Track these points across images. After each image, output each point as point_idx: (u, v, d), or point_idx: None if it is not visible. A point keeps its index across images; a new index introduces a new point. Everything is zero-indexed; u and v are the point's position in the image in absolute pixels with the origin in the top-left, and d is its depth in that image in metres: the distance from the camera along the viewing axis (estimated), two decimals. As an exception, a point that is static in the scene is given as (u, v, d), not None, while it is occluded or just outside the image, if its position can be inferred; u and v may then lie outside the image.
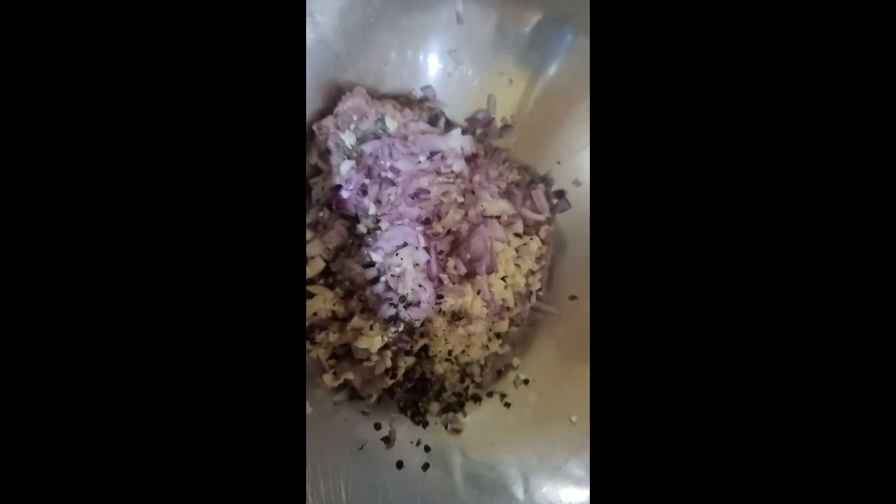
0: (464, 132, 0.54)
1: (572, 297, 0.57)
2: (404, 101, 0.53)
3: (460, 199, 0.49)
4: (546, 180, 0.58)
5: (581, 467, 0.49)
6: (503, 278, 0.51)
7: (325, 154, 0.51)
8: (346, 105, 0.50)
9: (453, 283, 0.48)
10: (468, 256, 0.48)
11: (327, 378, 0.49)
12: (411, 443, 0.49)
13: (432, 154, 0.51)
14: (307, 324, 0.50)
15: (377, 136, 0.51)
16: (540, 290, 0.56)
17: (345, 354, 0.50)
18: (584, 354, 0.54)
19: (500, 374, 0.55)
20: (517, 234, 0.54)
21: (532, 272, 0.55)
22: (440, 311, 0.47)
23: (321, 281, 0.51)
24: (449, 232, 0.49)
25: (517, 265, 0.52)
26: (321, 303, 0.49)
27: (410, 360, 0.49)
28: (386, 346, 0.48)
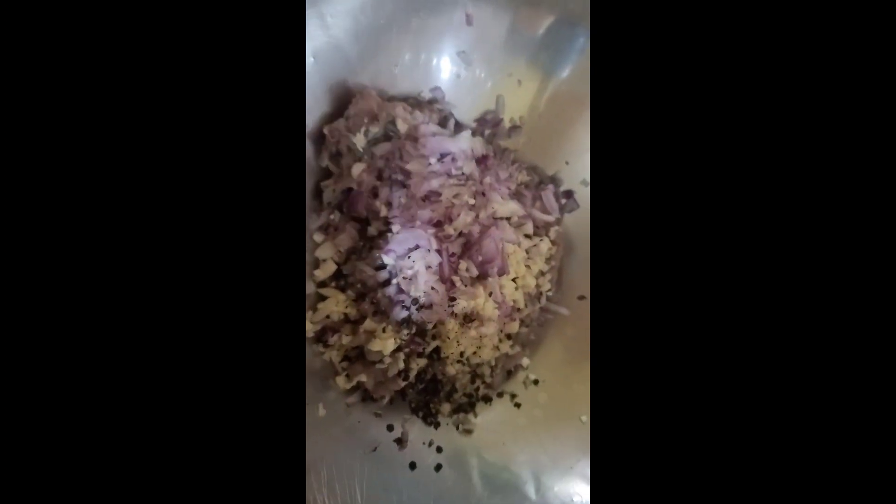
0: (473, 133, 0.54)
1: (581, 298, 0.57)
2: (414, 102, 0.53)
3: (471, 201, 0.49)
4: (555, 181, 0.58)
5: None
6: (514, 279, 0.52)
7: (337, 157, 0.51)
8: (356, 108, 0.50)
9: (465, 286, 0.48)
10: (480, 258, 0.48)
11: (340, 380, 0.49)
12: (423, 444, 0.49)
13: (443, 156, 0.51)
14: (320, 327, 0.50)
15: (388, 139, 0.51)
16: (549, 290, 0.56)
17: (357, 357, 0.50)
18: (593, 354, 0.54)
19: (510, 374, 0.55)
20: (527, 236, 0.54)
21: (542, 273, 0.55)
22: (452, 313, 0.48)
23: (333, 284, 0.51)
24: (460, 234, 0.49)
25: (527, 266, 0.53)
26: (333, 305, 0.50)
27: (422, 361, 0.49)
28: (398, 349, 0.48)
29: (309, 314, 0.50)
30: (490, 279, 0.49)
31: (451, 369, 0.50)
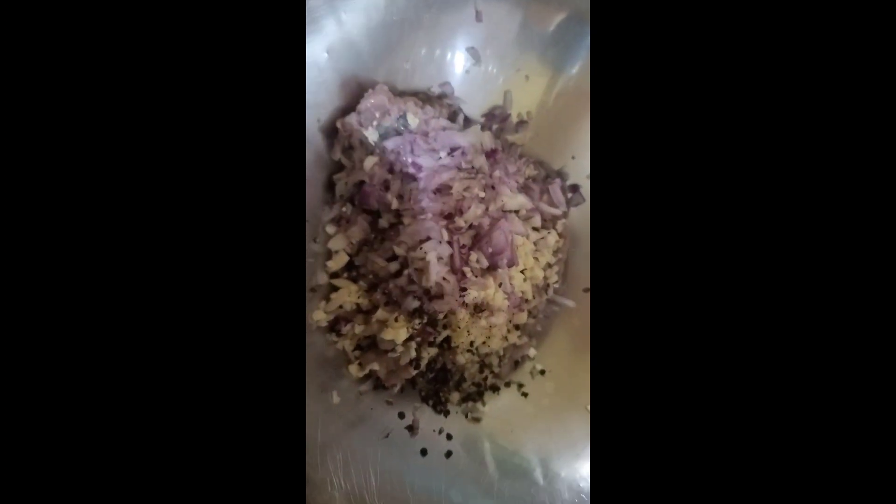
0: (481, 128, 0.55)
1: (586, 290, 0.58)
2: (424, 97, 0.54)
3: (481, 195, 0.51)
4: (561, 175, 0.59)
5: (598, 453, 0.50)
6: (522, 271, 0.53)
7: (349, 150, 0.52)
8: (368, 102, 0.51)
9: (476, 276, 0.49)
10: (490, 250, 0.50)
11: (353, 369, 0.50)
12: (434, 431, 0.51)
13: (452, 150, 0.52)
14: (333, 316, 0.51)
15: (399, 133, 0.52)
16: (556, 282, 0.58)
17: (370, 346, 0.51)
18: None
19: (517, 364, 0.56)
20: (535, 228, 0.55)
21: (549, 265, 0.56)
22: (463, 304, 0.49)
23: (345, 274, 0.52)
24: (471, 226, 0.50)
25: (535, 258, 0.54)
26: (346, 296, 0.51)
27: (433, 350, 0.51)
28: (410, 338, 0.49)
29: (322, 304, 0.51)
30: (500, 270, 0.50)
31: (461, 358, 0.52)
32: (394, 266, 0.50)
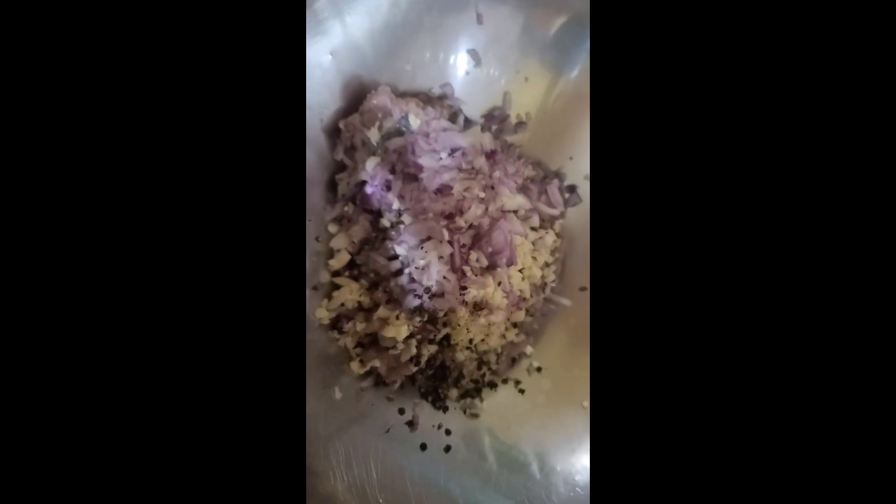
0: (481, 129, 0.56)
1: (582, 289, 0.59)
2: (425, 98, 0.55)
3: (481, 195, 0.52)
4: (559, 175, 0.60)
5: (593, 449, 0.52)
6: (521, 270, 0.54)
7: (351, 150, 0.53)
8: (371, 103, 0.51)
9: (475, 275, 0.50)
10: (490, 250, 0.51)
11: (354, 366, 0.51)
12: (433, 426, 0.52)
13: (453, 151, 0.53)
14: (335, 314, 0.52)
15: (401, 133, 0.53)
16: (553, 281, 0.59)
17: (371, 343, 0.52)
18: (594, 343, 0.57)
19: (514, 361, 0.58)
20: (533, 228, 0.56)
21: (547, 264, 0.57)
22: (463, 302, 0.50)
23: (347, 273, 0.53)
24: (471, 226, 0.51)
25: (534, 258, 0.55)
26: (348, 294, 0.52)
27: (433, 348, 0.52)
28: (411, 335, 0.50)
29: (324, 302, 0.52)
30: (499, 269, 0.51)
31: (460, 356, 0.53)
32: (395, 265, 0.51)
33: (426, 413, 0.52)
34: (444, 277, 0.49)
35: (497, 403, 0.55)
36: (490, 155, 0.54)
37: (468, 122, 0.57)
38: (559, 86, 0.55)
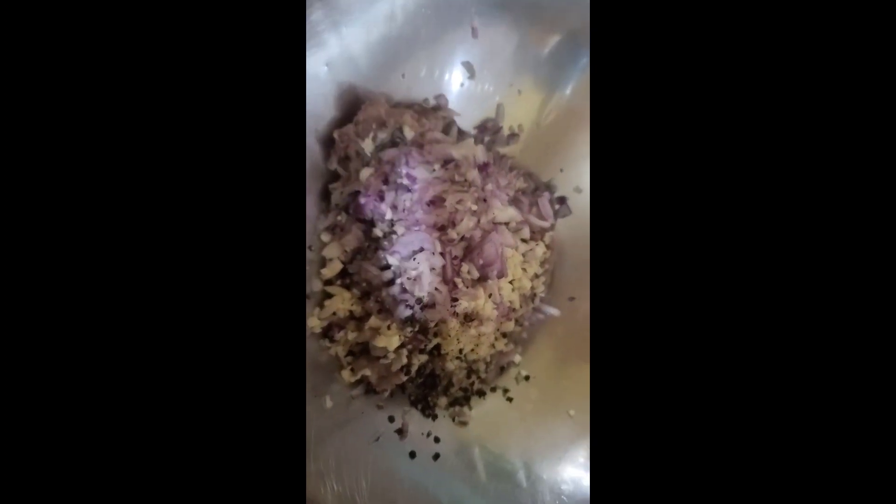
0: (474, 140, 0.57)
1: (571, 299, 0.60)
2: (419, 109, 0.56)
3: (473, 207, 0.52)
4: (549, 187, 0.61)
5: (579, 458, 0.53)
6: (511, 282, 0.55)
7: (345, 160, 0.53)
8: (366, 114, 0.52)
9: (467, 287, 0.51)
10: (481, 262, 0.51)
11: (345, 374, 0.52)
12: (422, 434, 0.52)
13: (446, 163, 0.54)
14: (327, 323, 0.52)
15: (395, 144, 0.53)
16: (542, 292, 0.60)
17: (361, 352, 0.53)
18: (581, 352, 0.58)
19: (502, 370, 0.58)
20: (524, 240, 0.57)
21: (537, 275, 0.58)
22: (454, 313, 0.51)
23: (339, 282, 0.53)
24: (462, 238, 0.52)
25: (524, 269, 0.56)
26: (339, 303, 0.52)
27: (423, 357, 0.52)
28: (402, 345, 0.51)
29: (316, 311, 0.52)
30: (490, 281, 0.52)
31: (450, 365, 0.53)
32: (387, 275, 0.52)
33: (416, 421, 0.53)
34: (436, 288, 0.50)
35: (485, 412, 0.56)
36: (483, 167, 0.54)
37: (462, 134, 0.57)
38: (552, 101, 0.56)
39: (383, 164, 0.53)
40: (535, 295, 0.59)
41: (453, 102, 0.56)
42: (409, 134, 0.53)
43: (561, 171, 0.61)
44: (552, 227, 0.60)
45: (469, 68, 0.55)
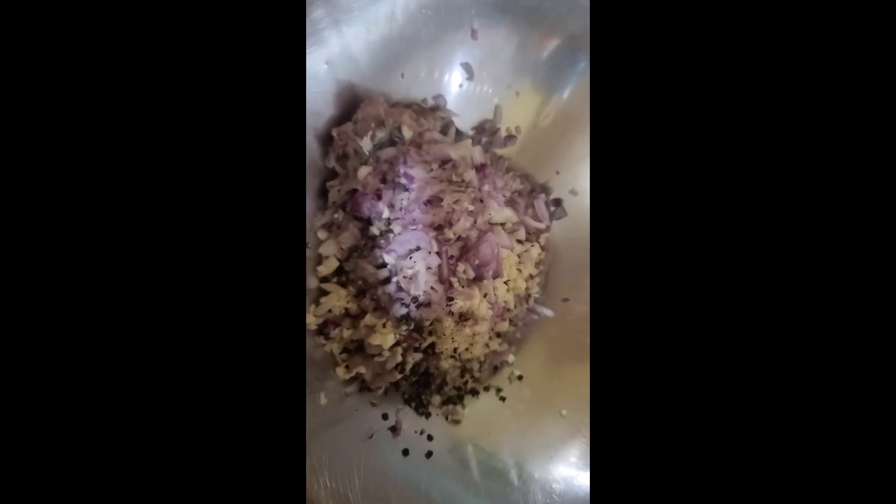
0: (472, 141, 0.57)
1: (564, 300, 0.61)
2: (418, 109, 0.56)
3: (470, 208, 0.53)
4: (545, 189, 0.62)
5: (570, 457, 0.53)
6: (506, 282, 0.55)
7: (343, 158, 0.53)
8: (364, 112, 0.52)
9: (462, 287, 0.51)
10: (477, 262, 0.52)
11: (340, 371, 0.52)
12: (416, 432, 0.53)
13: (444, 163, 0.54)
14: (322, 320, 0.53)
15: (393, 144, 0.54)
16: (537, 293, 0.60)
17: (356, 349, 0.53)
18: (574, 353, 0.59)
19: (496, 370, 0.59)
20: (519, 241, 0.57)
21: (531, 276, 0.59)
22: (449, 312, 0.51)
23: (335, 279, 0.54)
24: (459, 238, 0.52)
25: (519, 270, 0.56)
26: (335, 300, 0.52)
27: (418, 356, 0.53)
28: (397, 343, 0.51)
29: (312, 308, 0.52)
30: (485, 281, 0.52)
31: (444, 364, 0.54)
32: (383, 273, 0.52)
33: (409, 419, 0.53)
34: (432, 287, 0.50)
35: (479, 410, 0.56)
36: (480, 168, 0.55)
37: (459, 134, 0.58)
38: (550, 104, 0.57)
39: (381, 162, 0.53)
40: (529, 295, 0.59)
41: (452, 103, 0.56)
42: (407, 133, 0.53)
43: (557, 173, 0.61)
44: (547, 229, 0.60)
45: (468, 70, 0.56)
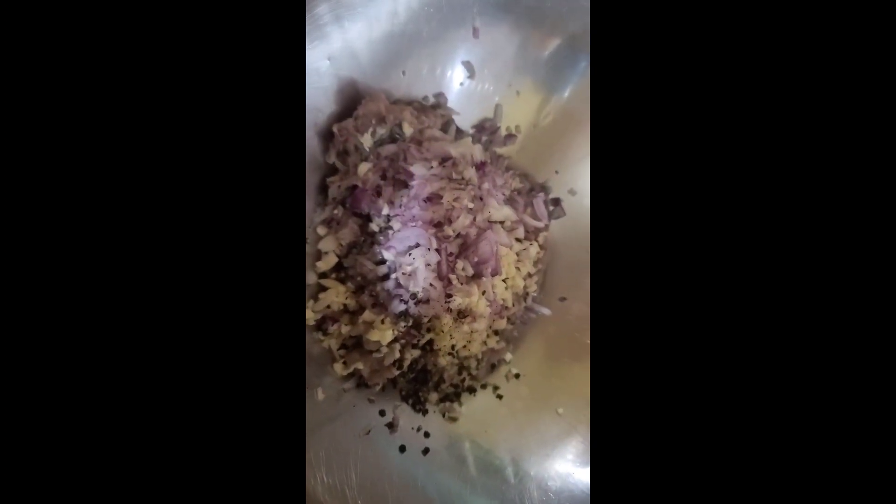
0: (472, 140, 0.57)
1: (562, 299, 0.61)
2: (419, 106, 0.56)
3: (470, 205, 0.53)
4: (544, 188, 0.62)
5: (567, 455, 0.54)
6: (504, 280, 0.55)
7: (344, 154, 0.53)
8: (365, 109, 0.52)
9: (461, 284, 0.51)
10: (476, 259, 0.52)
11: (338, 367, 0.52)
12: (413, 429, 0.53)
13: (444, 160, 0.54)
14: (320, 316, 0.53)
15: (393, 140, 0.54)
16: (535, 291, 0.60)
17: (354, 345, 0.53)
18: (571, 352, 0.59)
19: (493, 367, 0.59)
20: (518, 239, 0.57)
21: (530, 275, 0.59)
22: (448, 309, 0.51)
23: (334, 275, 0.54)
24: (458, 235, 0.52)
25: (517, 268, 0.57)
26: (334, 296, 0.52)
27: (416, 352, 0.53)
28: (395, 339, 0.51)
29: (310, 303, 0.52)
30: (484, 279, 0.52)
31: (442, 361, 0.54)
32: (382, 269, 0.52)
33: (406, 415, 0.53)
34: (431, 284, 0.50)
35: (476, 408, 0.56)
36: (480, 166, 0.55)
37: (460, 132, 0.58)
38: (550, 103, 0.57)
39: (381, 159, 0.53)
40: (527, 294, 0.60)
41: (452, 101, 0.57)
42: (407, 130, 0.53)
43: (556, 172, 0.61)
44: (546, 228, 0.60)
45: (469, 68, 0.56)
